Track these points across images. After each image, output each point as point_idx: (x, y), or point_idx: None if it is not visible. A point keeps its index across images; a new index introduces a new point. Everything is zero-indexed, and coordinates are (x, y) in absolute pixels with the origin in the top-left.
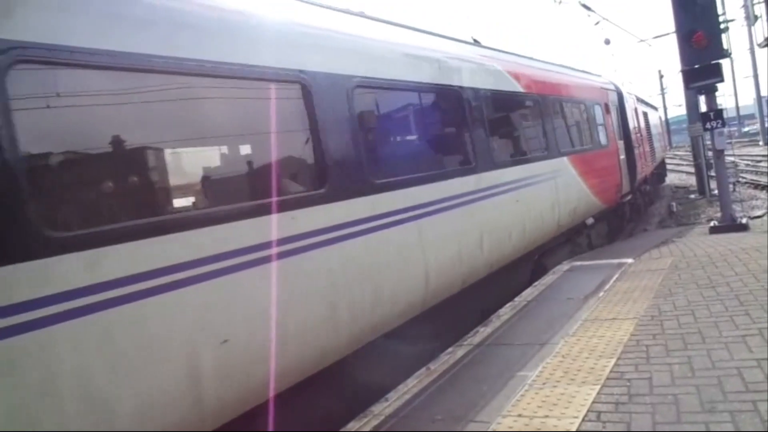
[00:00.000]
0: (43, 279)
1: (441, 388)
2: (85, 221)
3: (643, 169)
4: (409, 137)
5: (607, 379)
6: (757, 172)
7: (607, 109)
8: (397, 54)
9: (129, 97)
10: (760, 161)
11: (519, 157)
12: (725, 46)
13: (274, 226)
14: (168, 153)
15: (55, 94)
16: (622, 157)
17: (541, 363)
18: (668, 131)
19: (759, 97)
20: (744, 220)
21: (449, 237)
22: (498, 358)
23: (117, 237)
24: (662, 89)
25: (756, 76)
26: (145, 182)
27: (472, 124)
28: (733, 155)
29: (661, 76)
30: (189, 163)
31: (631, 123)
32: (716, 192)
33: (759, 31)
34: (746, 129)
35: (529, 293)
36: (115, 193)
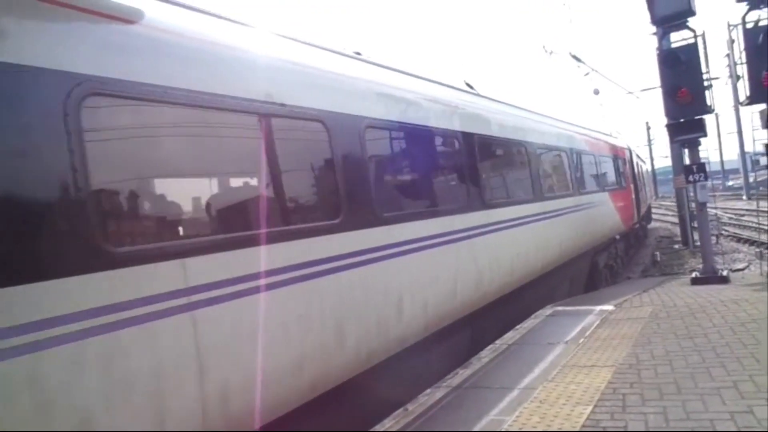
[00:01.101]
0: None
1: (418, 430)
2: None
3: (642, 207)
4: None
5: (583, 426)
6: (739, 226)
7: (624, 162)
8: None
9: None
10: (742, 215)
11: (583, 189)
12: (709, 103)
13: None
14: None
15: None
16: (633, 196)
17: (519, 408)
18: (655, 182)
19: (743, 153)
20: (725, 273)
21: (575, 225)
22: (476, 402)
23: None
24: (649, 141)
25: (740, 132)
26: None
27: (576, 170)
28: (717, 208)
29: (648, 128)
30: None
31: (635, 172)
32: (699, 243)
33: (742, 90)
34: (730, 183)
35: (510, 336)
36: None
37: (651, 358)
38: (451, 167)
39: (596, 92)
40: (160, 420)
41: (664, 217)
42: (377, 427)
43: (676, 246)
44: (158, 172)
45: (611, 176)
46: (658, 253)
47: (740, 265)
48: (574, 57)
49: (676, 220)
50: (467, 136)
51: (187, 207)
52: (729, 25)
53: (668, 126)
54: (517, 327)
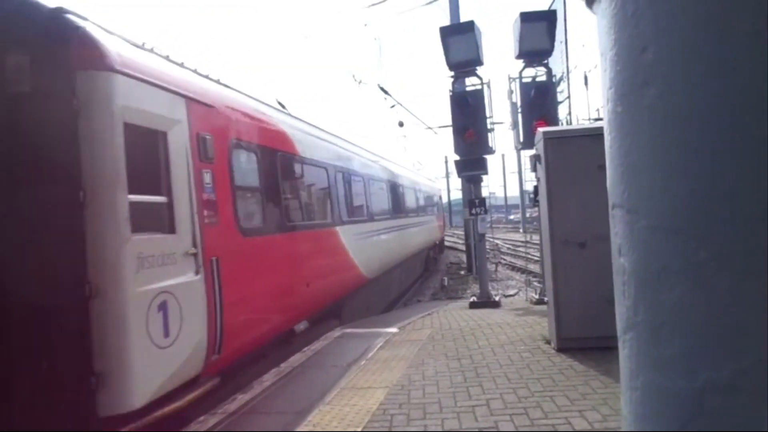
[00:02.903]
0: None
1: None
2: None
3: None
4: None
5: None
6: (515, 256)
7: (439, 197)
8: None
9: None
10: (518, 246)
11: (427, 213)
12: (491, 144)
13: None
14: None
15: None
16: (444, 220)
17: None
18: (450, 212)
19: (521, 190)
20: (498, 298)
21: (422, 233)
22: (249, 428)
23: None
24: (447, 173)
25: (520, 173)
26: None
27: (424, 202)
28: (498, 239)
29: (446, 162)
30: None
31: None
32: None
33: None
34: (512, 217)
35: (297, 359)
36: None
37: (422, 378)
38: (327, 192)
39: (401, 124)
40: (371, 262)
41: (455, 245)
42: None
43: (462, 272)
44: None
45: (436, 207)
46: (446, 278)
47: (512, 291)
48: (382, 89)
49: (464, 248)
50: (338, 170)
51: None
52: (509, 78)
53: (456, 162)
54: (305, 349)
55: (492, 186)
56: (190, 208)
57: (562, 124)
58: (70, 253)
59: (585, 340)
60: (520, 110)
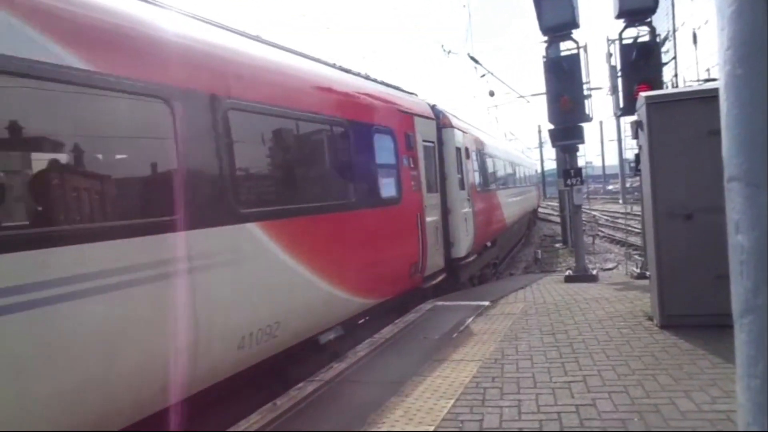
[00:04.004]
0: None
1: (283, 426)
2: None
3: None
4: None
5: (443, 420)
6: (614, 228)
7: (536, 170)
8: None
9: None
10: (617, 218)
11: (530, 184)
12: (587, 112)
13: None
14: None
15: None
16: (540, 191)
17: (385, 402)
18: (544, 183)
19: (621, 159)
20: (595, 272)
21: (528, 199)
22: (345, 396)
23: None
24: (540, 143)
25: (619, 141)
26: None
27: (530, 176)
28: (596, 210)
29: (540, 131)
30: None
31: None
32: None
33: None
34: (610, 187)
35: (388, 331)
36: None
37: (515, 353)
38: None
39: (491, 94)
40: (509, 215)
41: (549, 216)
42: (241, 425)
43: (557, 245)
44: None
45: (534, 179)
46: (539, 251)
47: (610, 265)
48: (472, 58)
49: (559, 220)
50: (494, 156)
51: None
52: (608, 40)
53: (551, 131)
54: (396, 321)
55: (589, 155)
56: (466, 179)
57: (666, 87)
58: (442, 196)
59: (692, 317)
60: (620, 74)
